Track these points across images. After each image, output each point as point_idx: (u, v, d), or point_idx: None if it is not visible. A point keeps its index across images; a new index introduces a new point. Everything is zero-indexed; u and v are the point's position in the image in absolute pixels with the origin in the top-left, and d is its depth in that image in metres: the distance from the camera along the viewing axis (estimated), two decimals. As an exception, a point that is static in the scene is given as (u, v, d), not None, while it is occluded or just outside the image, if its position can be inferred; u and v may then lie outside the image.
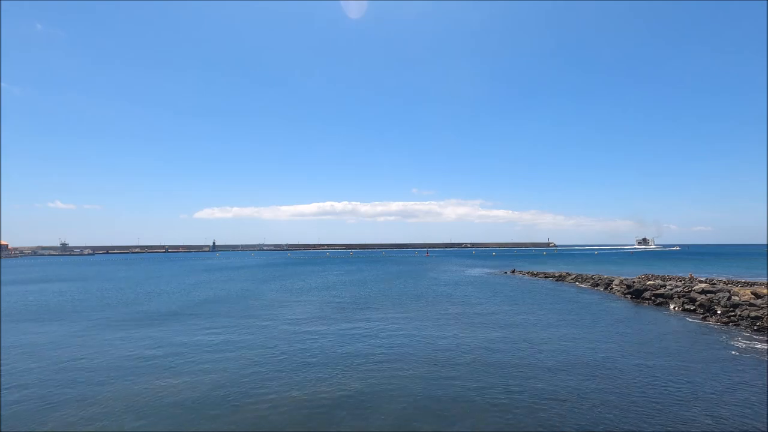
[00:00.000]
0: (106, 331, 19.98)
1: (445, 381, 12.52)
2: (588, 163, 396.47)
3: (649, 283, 32.38)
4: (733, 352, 15.40)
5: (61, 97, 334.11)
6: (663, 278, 38.82)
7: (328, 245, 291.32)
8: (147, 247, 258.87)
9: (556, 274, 47.54)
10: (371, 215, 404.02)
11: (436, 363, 14.37)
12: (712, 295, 24.79)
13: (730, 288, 26.60)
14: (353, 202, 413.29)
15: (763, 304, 21.37)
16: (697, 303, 24.20)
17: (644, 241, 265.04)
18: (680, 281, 34.86)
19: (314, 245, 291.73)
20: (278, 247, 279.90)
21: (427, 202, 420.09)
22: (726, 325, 20.36)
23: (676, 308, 25.18)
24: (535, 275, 50.97)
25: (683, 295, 26.22)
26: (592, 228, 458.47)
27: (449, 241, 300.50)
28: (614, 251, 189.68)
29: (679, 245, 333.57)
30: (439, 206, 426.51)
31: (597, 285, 36.75)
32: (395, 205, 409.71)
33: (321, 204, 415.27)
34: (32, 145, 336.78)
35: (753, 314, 20.48)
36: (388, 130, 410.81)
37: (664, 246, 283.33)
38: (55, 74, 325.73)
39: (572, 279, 42.59)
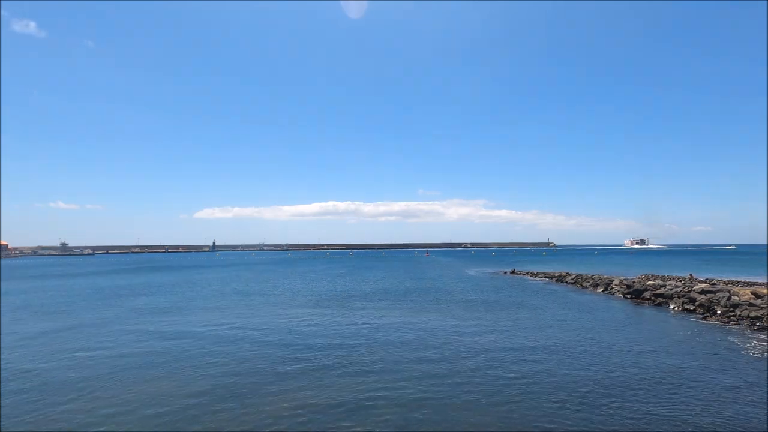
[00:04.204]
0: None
1: (444, 380, 12.47)
2: (589, 163, 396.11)
3: (649, 283, 32.37)
4: (733, 353, 15.37)
5: (64, 99, 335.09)
6: (663, 278, 38.83)
7: (328, 245, 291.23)
8: (147, 247, 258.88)
9: (556, 275, 47.49)
10: (373, 215, 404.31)
11: (433, 362, 14.33)
12: (712, 295, 24.77)
13: (730, 288, 26.60)
14: (356, 202, 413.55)
15: (763, 304, 21.35)
16: (697, 303, 24.17)
17: (641, 242, 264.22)
18: (680, 281, 34.86)
19: (314, 245, 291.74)
20: (278, 247, 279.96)
21: (430, 203, 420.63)
22: (726, 325, 20.33)
23: (676, 308, 25.15)
24: (535, 275, 50.92)
25: (683, 295, 26.19)
26: (592, 228, 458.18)
27: (449, 241, 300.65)
28: (614, 251, 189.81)
29: (678, 245, 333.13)
30: (443, 206, 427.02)
31: (597, 285, 36.72)
32: (398, 206, 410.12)
33: (323, 204, 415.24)
34: (35, 146, 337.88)
35: (753, 314, 20.47)
36: (390, 131, 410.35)
37: (670, 246, 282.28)
38: (57, 77, 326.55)
39: (572, 279, 42.54)
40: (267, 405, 10.73)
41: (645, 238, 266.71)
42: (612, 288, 33.92)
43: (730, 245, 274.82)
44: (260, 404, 10.78)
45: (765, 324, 19.22)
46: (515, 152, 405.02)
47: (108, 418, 10.02)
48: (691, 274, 42.25)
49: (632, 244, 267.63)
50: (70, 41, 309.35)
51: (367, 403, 10.79)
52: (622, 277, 38.15)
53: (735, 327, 19.81)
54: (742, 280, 35.62)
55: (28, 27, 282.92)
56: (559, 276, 46.08)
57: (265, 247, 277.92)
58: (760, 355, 14.92)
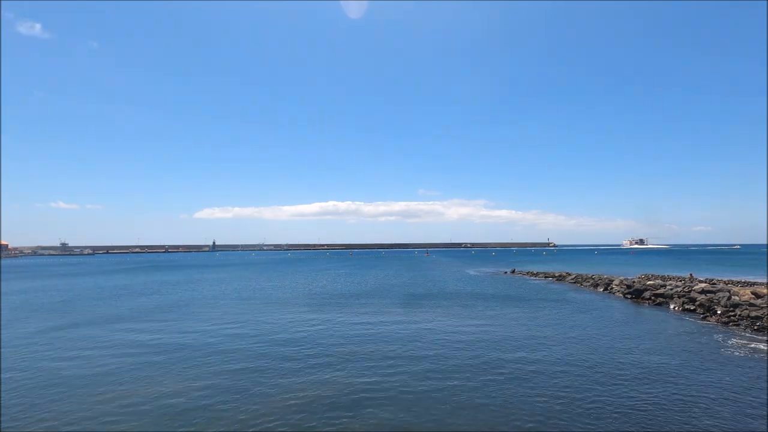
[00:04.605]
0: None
1: (443, 379, 12.49)
2: (589, 163, 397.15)
3: (649, 283, 32.37)
4: (733, 352, 15.39)
5: (65, 100, 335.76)
6: (663, 278, 38.82)
7: (328, 245, 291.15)
8: (147, 247, 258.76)
9: (556, 274, 47.52)
10: (373, 215, 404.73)
11: (432, 362, 14.35)
12: (712, 295, 24.78)
13: (730, 288, 26.59)
14: (356, 202, 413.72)
15: (763, 304, 21.35)
16: (697, 303, 24.17)
17: (640, 242, 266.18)
18: (680, 281, 34.86)
19: (314, 245, 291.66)
20: (278, 247, 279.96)
21: (431, 203, 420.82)
22: (726, 325, 20.35)
23: (676, 308, 25.16)
24: (535, 275, 50.93)
25: (683, 295, 26.20)
26: (592, 228, 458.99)
27: (449, 241, 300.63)
28: (614, 251, 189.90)
29: (680, 245, 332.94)
30: (443, 206, 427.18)
31: (597, 285, 36.74)
32: (398, 206, 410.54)
33: (323, 204, 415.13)
34: (36, 147, 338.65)
35: (753, 314, 20.46)
36: (390, 131, 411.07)
37: (672, 246, 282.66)
38: (59, 77, 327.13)
39: (572, 279, 42.56)
40: (269, 404, 10.75)
41: (644, 238, 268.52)
42: (612, 288, 33.94)
43: (735, 245, 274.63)
44: (263, 402, 10.80)
45: (765, 324, 19.22)
46: (516, 152, 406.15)
47: (109, 418, 10.03)
48: (691, 274, 42.25)
49: (631, 244, 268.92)
50: (73, 42, 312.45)
51: (367, 401, 10.81)
52: (622, 277, 38.16)
53: (735, 327, 19.83)
54: (742, 280, 35.62)
55: (34, 29, 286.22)
56: (560, 276, 46.09)
57: (265, 247, 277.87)
58: (760, 355, 14.93)
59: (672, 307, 25.64)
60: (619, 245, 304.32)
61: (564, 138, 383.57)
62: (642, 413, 10.09)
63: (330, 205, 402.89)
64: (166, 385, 12.25)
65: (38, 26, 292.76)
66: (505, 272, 57.71)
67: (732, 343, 16.70)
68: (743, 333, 18.62)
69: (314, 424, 9.66)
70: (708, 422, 9.59)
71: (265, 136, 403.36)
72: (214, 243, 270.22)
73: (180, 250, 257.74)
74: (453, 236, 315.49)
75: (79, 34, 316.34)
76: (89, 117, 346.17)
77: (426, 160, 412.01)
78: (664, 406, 10.48)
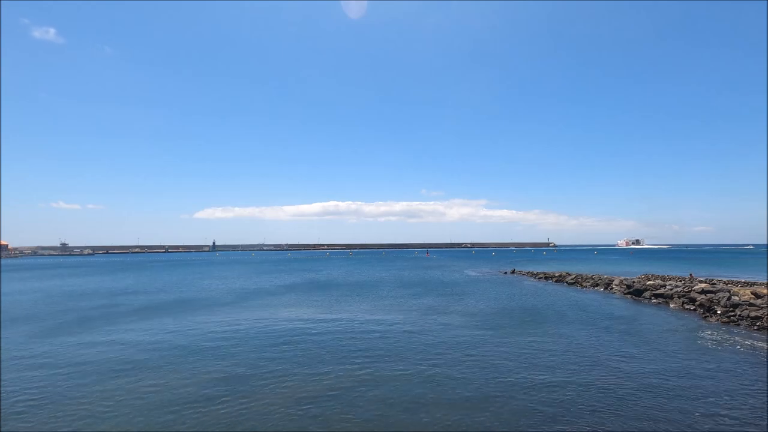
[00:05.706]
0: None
1: (442, 377, 12.52)
2: (591, 163, 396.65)
3: (649, 283, 32.40)
4: (733, 353, 15.40)
5: (67, 100, 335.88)
6: (663, 278, 38.84)
7: (328, 245, 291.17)
8: (147, 247, 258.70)
9: (556, 274, 47.51)
10: (374, 215, 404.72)
11: (431, 360, 14.36)
12: (712, 295, 24.79)
13: (730, 288, 26.61)
14: (357, 202, 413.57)
15: (763, 304, 21.36)
16: (697, 303, 24.20)
17: (636, 242, 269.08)
18: (680, 281, 34.87)
19: (314, 245, 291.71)
20: (278, 247, 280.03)
21: (432, 203, 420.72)
22: (726, 325, 20.37)
23: (676, 308, 25.17)
24: (535, 275, 50.94)
25: (683, 295, 26.23)
26: (594, 228, 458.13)
27: (450, 241, 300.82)
28: (614, 251, 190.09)
29: (676, 245, 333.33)
30: (444, 206, 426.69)
31: (597, 285, 36.76)
32: (399, 206, 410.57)
33: (324, 204, 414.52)
34: (36, 146, 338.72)
35: (753, 314, 20.48)
36: (392, 131, 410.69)
37: (674, 246, 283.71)
38: (62, 79, 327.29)
39: (572, 279, 42.57)
40: (271, 400, 10.78)
41: (640, 239, 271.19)
42: (612, 288, 33.96)
43: (748, 245, 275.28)
44: (263, 399, 10.83)
45: (765, 324, 19.24)
46: (517, 152, 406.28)
47: (110, 416, 10.05)
48: (691, 274, 42.25)
49: (628, 245, 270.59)
50: (79, 43, 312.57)
51: (366, 399, 10.83)
52: (622, 277, 38.17)
53: (735, 327, 19.85)
54: (742, 280, 35.63)
55: (48, 33, 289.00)
56: (559, 276, 46.09)
57: (265, 247, 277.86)
58: (760, 355, 14.95)
59: (672, 306, 25.66)
60: (613, 245, 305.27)
61: (566, 138, 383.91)
62: (641, 413, 10.10)
63: (331, 205, 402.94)
64: (166, 384, 12.26)
65: (52, 31, 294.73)
66: (505, 272, 57.73)
67: (732, 343, 16.72)
68: (743, 333, 18.64)
69: (314, 421, 9.68)
70: (708, 422, 9.61)
71: (266, 136, 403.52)
72: (214, 243, 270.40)
73: (180, 250, 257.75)
74: (453, 236, 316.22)
75: (91, 37, 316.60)
76: (90, 117, 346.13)
77: (428, 160, 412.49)
78: (663, 406, 10.49)
